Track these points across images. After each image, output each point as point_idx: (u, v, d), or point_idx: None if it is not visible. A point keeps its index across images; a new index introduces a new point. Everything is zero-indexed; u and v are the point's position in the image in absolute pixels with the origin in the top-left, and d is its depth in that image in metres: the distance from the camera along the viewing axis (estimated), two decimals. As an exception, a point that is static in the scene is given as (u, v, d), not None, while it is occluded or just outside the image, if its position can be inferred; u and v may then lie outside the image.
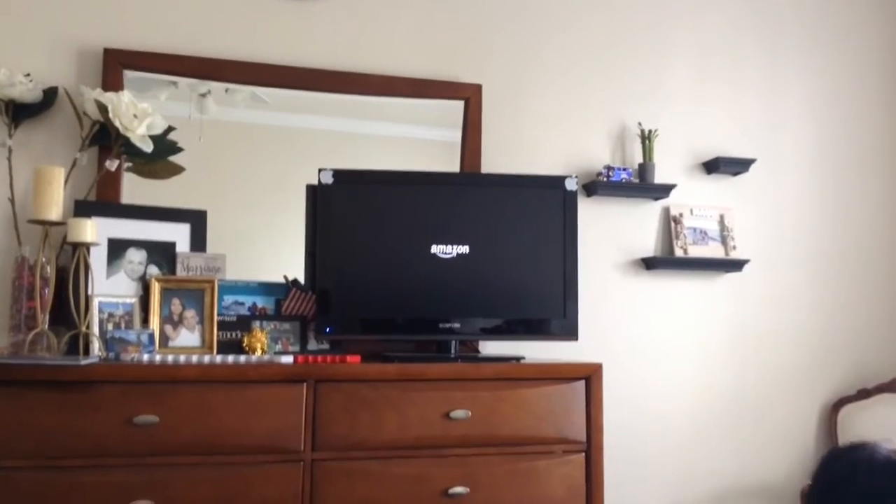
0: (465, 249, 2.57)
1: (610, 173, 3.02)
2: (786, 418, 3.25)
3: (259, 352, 2.40)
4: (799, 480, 3.17)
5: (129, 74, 2.64)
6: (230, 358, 2.22)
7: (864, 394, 3.21)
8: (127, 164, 2.59)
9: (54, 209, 2.28)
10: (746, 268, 3.19)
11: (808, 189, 3.37)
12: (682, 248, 3.11)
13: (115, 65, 2.61)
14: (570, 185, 2.66)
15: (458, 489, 2.25)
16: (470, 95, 2.95)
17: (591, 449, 2.39)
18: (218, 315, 2.47)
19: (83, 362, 2.03)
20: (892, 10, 3.57)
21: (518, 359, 2.49)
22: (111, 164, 2.50)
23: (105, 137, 2.51)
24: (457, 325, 2.55)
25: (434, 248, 2.56)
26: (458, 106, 2.95)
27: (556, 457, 2.36)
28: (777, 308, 3.28)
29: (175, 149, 2.62)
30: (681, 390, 3.13)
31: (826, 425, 3.26)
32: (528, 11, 3.10)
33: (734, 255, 3.16)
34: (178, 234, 2.55)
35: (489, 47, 3.04)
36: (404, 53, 2.94)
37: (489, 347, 2.86)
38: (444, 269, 2.56)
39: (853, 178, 3.44)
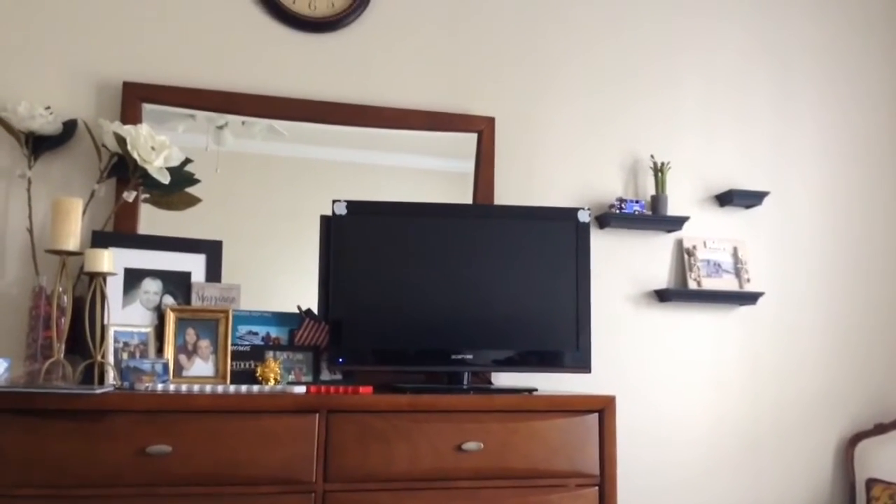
0: (477, 281, 2.57)
1: (622, 205, 3.03)
2: (801, 452, 3.21)
3: (272, 382, 2.41)
4: (816, 516, 3.14)
5: (148, 107, 2.68)
6: (243, 388, 2.23)
7: (880, 429, 3.18)
8: (144, 196, 2.63)
9: (72, 239, 2.31)
10: (761, 300, 3.18)
11: (822, 221, 3.37)
12: (695, 280, 3.11)
13: (134, 98, 2.66)
14: (583, 216, 2.67)
15: (470, 522, 2.24)
16: (483, 128, 2.97)
17: (604, 482, 2.37)
18: (232, 345, 2.48)
19: (98, 391, 2.04)
20: (904, 43, 3.59)
21: (531, 391, 2.48)
22: (129, 196, 2.54)
23: (123, 169, 2.54)
24: (469, 357, 2.55)
25: (447, 280, 2.57)
26: (471, 137, 2.97)
27: (568, 490, 2.34)
28: (792, 341, 3.26)
29: (192, 180, 2.65)
30: (695, 423, 3.11)
31: (842, 460, 3.23)
32: (540, 45, 3.13)
33: (748, 287, 3.15)
34: (194, 265, 2.57)
35: (502, 80, 3.07)
36: (418, 86, 2.98)
37: (501, 379, 2.86)
38: (457, 300, 2.56)
39: (866, 210, 3.43)
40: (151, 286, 2.50)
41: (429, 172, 2.97)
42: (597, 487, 2.36)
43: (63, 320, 2.32)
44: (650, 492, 3.02)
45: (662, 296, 3.10)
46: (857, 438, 3.20)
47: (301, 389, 2.24)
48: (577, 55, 3.17)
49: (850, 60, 3.50)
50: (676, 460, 3.07)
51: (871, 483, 3.06)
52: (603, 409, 2.40)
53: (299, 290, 2.68)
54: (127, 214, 2.59)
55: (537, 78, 3.12)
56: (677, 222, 3.10)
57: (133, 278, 2.49)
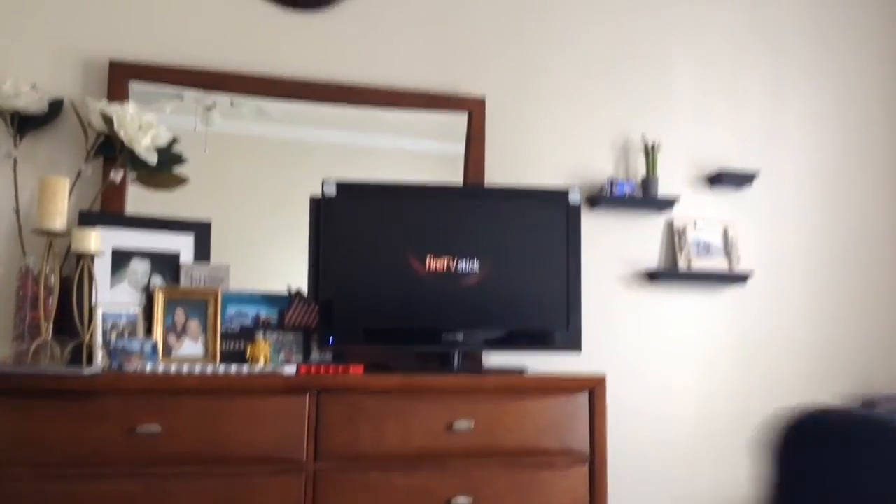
0: (468, 261, 2.57)
1: (613, 186, 3.02)
2: (790, 432, 3.23)
3: (262, 362, 2.40)
4: (804, 495, 3.15)
5: (135, 87, 2.65)
6: (233, 368, 2.22)
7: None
8: (131, 175, 2.60)
9: (59, 219, 2.29)
10: (750, 281, 3.19)
11: (811, 201, 3.37)
12: (685, 260, 3.11)
13: (121, 77, 2.63)
14: (574, 197, 2.66)
15: (461, 500, 2.24)
16: (473, 108, 2.96)
17: (594, 461, 2.38)
18: (221, 325, 2.47)
19: (86, 372, 2.03)
20: (891, 23, 3.58)
21: (521, 371, 2.48)
22: (116, 175, 2.51)
23: (110, 149, 2.52)
24: (460, 337, 2.55)
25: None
26: (462, 119, 2.96)
27: (559, 469, 2.35)
28: (781, 320, 3.27)
29: (179, 160, 2.63)
30: (685, 402, 3.12)
31: (831, 439, 3.24)
32: (531, 25, 3.12)
33: (738, 268, 3.16)
34: (182, 245, 2.56)
35: (493, 60, 3.06)
36: (408, 66, 2.96)
37: (492, 359, 2.85)
38: (447, 280, 2.56)
39: (855, 189, 3.44)
40: (139, 266, 2.49)
41: (419, 155, 2.95)
42: (587, 465, 2.37)
43: (50, 301, 2.30)
44: (640, 470, 3.03)
45: (653, 276, 3.10)
46: (845, 418, 3.22)
47: (291, 369, 2.23)
48: (568, 36, 3.16)
49: (841, 42, 3.50)
50: (666, 439, 3.08)
51: (859, 462, 3.08)
52: (593, 388, 2.41)
53: (289, 271, 2.67)
54: (114, 194, 2.57)
55: (528, 58, 3.10)
56: (668, 203, 3.09)
57: (121, 258, 2.47)
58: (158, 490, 2.04)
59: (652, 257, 3.15)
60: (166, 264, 2.52)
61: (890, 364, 3.38)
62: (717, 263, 3.15)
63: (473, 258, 2.57)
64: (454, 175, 2.93)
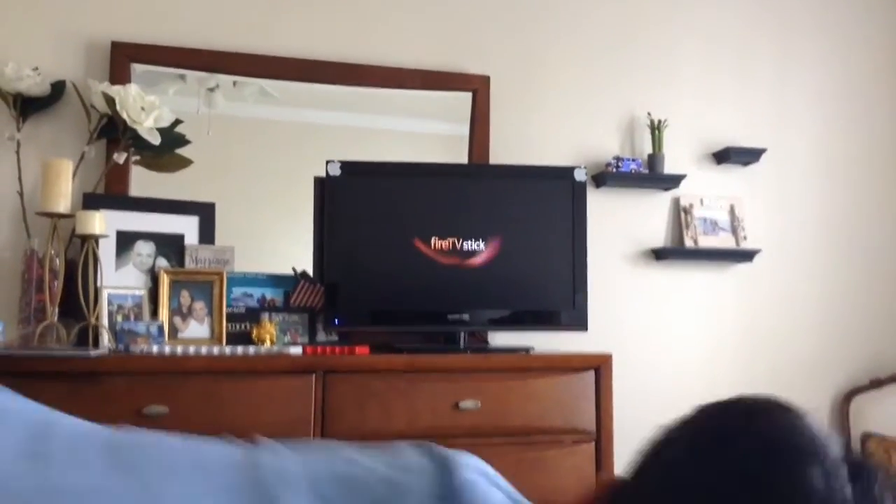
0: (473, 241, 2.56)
1: (619, 164, 3.00)
2: (797, 409, 3.22)
3: (268, 343, 2.40)
4: (811, 472, 3.15)
5: (138, 68, 2.64)
6: (239, 349, 2.22)
7: (876, 384, 3.19)
8: (135, 157, 2.60)
9: (63, 202, 2.29)
10: (757, 258, 3.17)
11: (819, 179, 3.35)
12: (692, 238, 3.09)
13: (123, 58, 2.62)
14: (579, 175, 2.64)
15: (468, 480, 2.24)
16: (478, 87, 2.93)
17: (600, 439, 2.38)
18: (227, 307, 2.47)
19: (93, 354, 2.04)
20: (903, -3, 3.54)
21: (527, 349, 2.48)
22: (119, 157, 2.51)
23: (113, 130, 2.51)
24: (465, 317, 2.54)
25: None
26: (467, 99, 2.94)
27: (565, 447, 2.35)
28: (788, 298, 3.26)
29: (183, 141, 2.62)
30: (691, 380, 3.12)
31: (838, 416, 3.24)
32: (536, 3, 3.08)
33: (745, 245, 3.14)
34: (187, 227, 2.55)
35: (498, 39, 3.03)
36: (412, 45, 2.94)
37: (498, 338, 2.85)
38: (452, 260, 2.55)
39: (863, 167, 3.41)
40: (144, 248, 2.49)
41: (424, 135, 2.94)
42: (593, 444, 2.37)
43: (56, 283, 2.30)
44: (647, 449, 3.03)
45: (659, 254, 3.09)
46: (852, 394, 3.21)
47: (297, 350, 2.24)
48: (574, 14, 3.12)
49: (849, 19, 3.46)
50: (672, 417, 3.07)
51: (866, 437, 3.08)
52: (599, 366, 2.41)
53: (294, 252, 2.66)
54: (118, 176, 2.56)
55: (533, 37, 3.07)
56: (674, 180, 3.07)
57: (125, 241, 2.47)
58: (166, 471, 2.05)
59: (658, 235, 3.13)
60: (171, 246, 2.52)
61: (898, 341, 3.37)
62: (724, 241, 3.13)
63: (479, 238, 2.56)
64: (459, 156, 2.92)
